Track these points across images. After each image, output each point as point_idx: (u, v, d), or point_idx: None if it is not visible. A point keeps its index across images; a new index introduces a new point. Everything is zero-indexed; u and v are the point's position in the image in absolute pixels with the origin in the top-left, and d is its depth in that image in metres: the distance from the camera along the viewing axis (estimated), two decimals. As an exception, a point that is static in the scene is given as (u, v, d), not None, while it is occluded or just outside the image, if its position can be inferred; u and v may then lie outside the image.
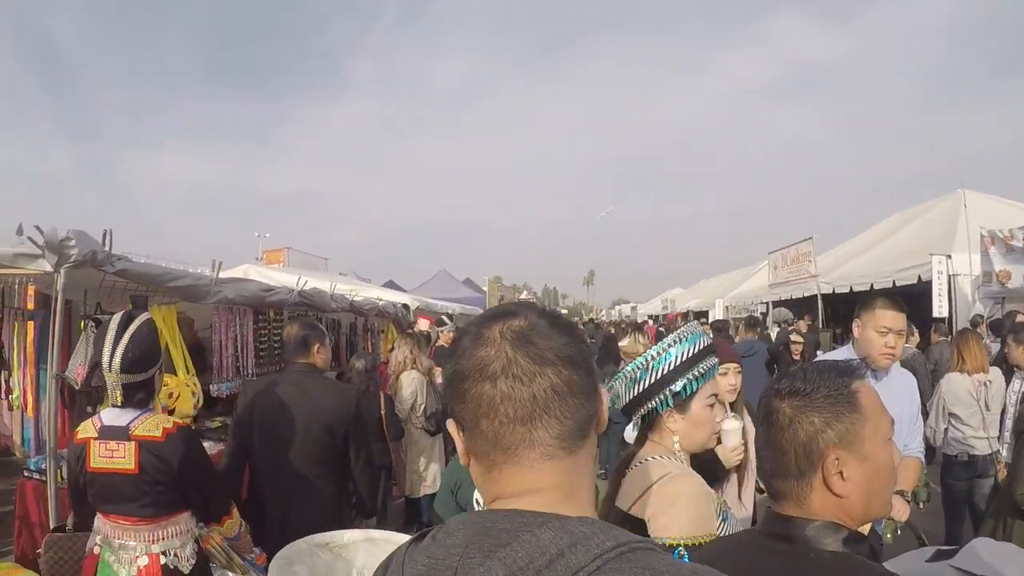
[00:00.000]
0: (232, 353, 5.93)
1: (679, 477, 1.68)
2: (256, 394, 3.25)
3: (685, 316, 28.84)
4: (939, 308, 10.06)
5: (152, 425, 2.52)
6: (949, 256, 10.17)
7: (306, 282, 6.08)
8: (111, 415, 2.55)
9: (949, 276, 10.12)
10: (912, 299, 14.56)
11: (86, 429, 2.57)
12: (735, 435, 2.32)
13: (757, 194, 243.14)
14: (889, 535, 2.61)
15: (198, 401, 5.45)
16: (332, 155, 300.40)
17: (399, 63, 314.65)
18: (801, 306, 15.63)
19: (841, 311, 15.50)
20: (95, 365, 3.64)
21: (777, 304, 17.17)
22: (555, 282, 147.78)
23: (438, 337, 8.15)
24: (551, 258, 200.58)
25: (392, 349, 5.69)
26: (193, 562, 2.59)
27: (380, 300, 9.09)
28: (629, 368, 1.86)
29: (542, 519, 0.75)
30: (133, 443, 2.46)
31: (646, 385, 1.80)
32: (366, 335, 9.55)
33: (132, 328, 2.54)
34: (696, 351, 1.80)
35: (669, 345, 1.81)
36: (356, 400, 3.37)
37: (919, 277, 10.75)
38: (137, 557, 2.51)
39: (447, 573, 0.74)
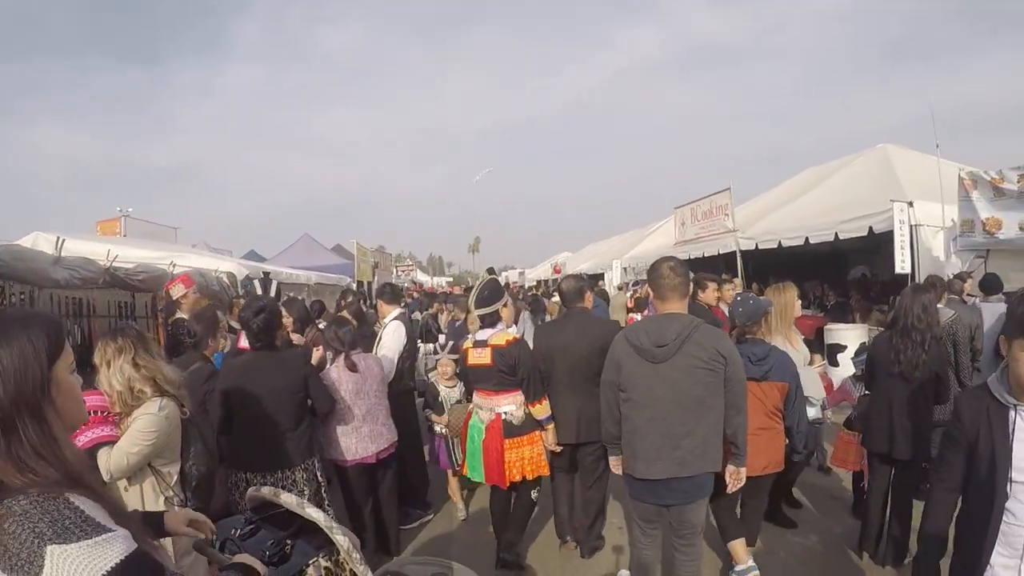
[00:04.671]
0: None
1: None
2: (550, 330, 4.64)
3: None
4: (901, 264, 8.22)
5: (499, 338, 4.04)
6: (911, 203, 8.29)
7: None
8: (480, 333, 4.14)
9: (911, 226, 8.26)
10: (859, 256, 13.24)
11: (468, 343, 4.21)
12: None
13: (649, 165, 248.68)
14: None
15: None
16: (215, 125, 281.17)
17: (286, 29, 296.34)
18: (709, 266, 13.75)
19: (751, 268, 13.79)
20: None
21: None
22: (441, 251, 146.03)
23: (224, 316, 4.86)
24: (439, 228, 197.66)
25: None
26: (523, 418, 4.04)
27: (172, 266, 6.03)
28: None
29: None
30: (489, 348, 4.01)
31: None
32: (155, 318, 6.41)
33: (481, 283, 4.27)
34: None
35: None
36: (616, 330, 3.89)
37: (870, 229, 8.93)
38: (488, 414, 4.08)
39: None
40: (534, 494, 4.19)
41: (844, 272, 14.20)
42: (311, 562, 1.80)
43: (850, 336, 8.12)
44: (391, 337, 5.09)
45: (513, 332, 4.30)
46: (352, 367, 4.13)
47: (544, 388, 4.13)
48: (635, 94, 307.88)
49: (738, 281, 10.12)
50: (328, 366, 4.16)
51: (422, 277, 48.96)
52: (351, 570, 1.85)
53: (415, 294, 20.79)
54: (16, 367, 1.20)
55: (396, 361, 4.99)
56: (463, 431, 4.27)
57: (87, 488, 1.23)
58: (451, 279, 73.62)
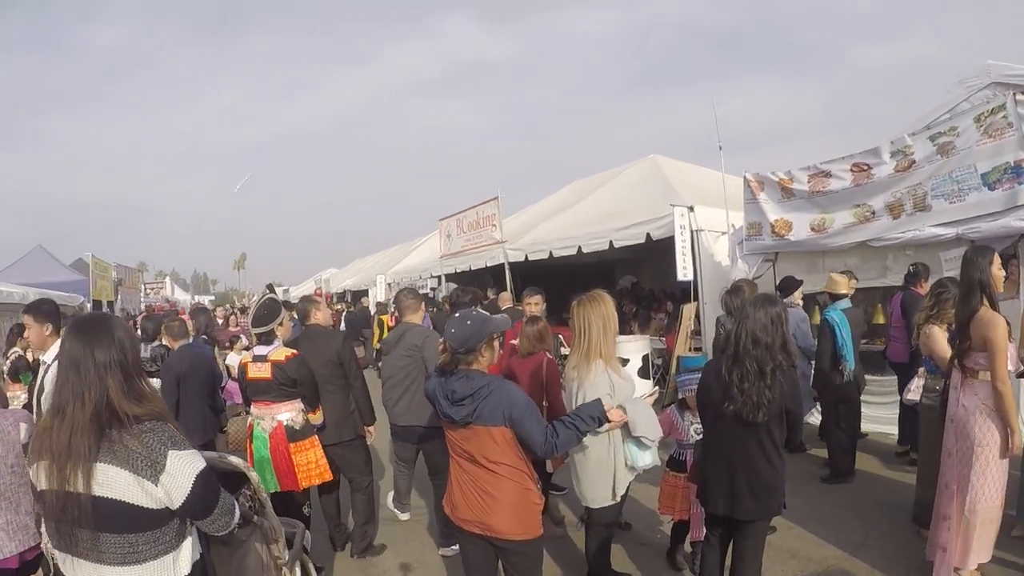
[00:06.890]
0: None
1: None
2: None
3: (342, 296, 24.62)
4: (683, 270, 7.19)
5: (279, 354, 4.07)
6: (691, 208, 7.32)
7: None
8: (258, 350, 4.15)
9: (692, 231, 7.27)
10: (626, 267, 12.37)
11: (246, 359, 4.21)
12: None
13: (415, 182, 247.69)
14: None
15: None
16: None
17: (51, 21, 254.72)
18: (476, 279, 12.33)
19: (520, 280, 12.63)
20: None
21: (451, 278, 13.78)
22: (206, 268, 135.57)
23: None
24: (204, 244, 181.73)
25: None
26: (303, 424, 4.11)
27: None
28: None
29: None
30: (269, 363, 4.05)
31: None
32: None
33: (259, 302, 4.36)
34: None
35: None
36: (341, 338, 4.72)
37: (648, 235, 7.88)
38: (270, 422, 4.07)
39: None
40: (306, 510, 4.34)
41: (613, 283, 13.64)
42: (242, 491, 2.28)
43: (632, 348, 6.95)
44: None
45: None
46: None
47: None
48: (402, 109, 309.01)
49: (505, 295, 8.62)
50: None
51: (181, 295, 44.26)
52: (259, 498, 2.30)
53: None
54: (132, 339, 1.93)
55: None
56: (248, 444, 4.24)
57: (172, 420, 1.87)
58: (213, 297, 69.11)
